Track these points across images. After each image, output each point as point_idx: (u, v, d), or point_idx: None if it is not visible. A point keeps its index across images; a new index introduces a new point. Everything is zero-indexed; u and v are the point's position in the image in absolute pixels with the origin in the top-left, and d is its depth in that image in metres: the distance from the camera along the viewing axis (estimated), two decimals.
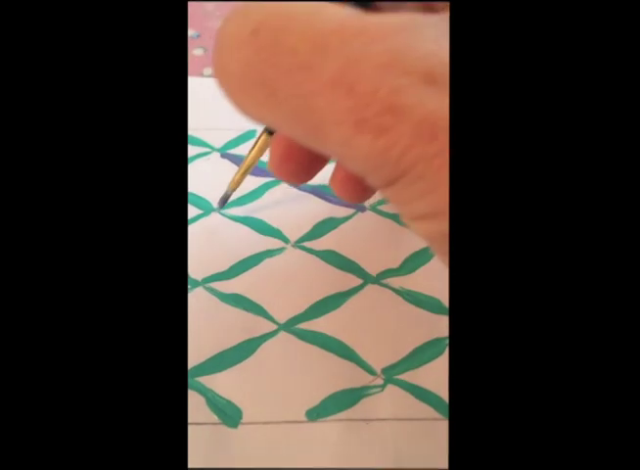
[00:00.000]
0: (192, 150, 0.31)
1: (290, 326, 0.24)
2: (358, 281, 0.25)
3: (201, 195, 0.28)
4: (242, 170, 0.25)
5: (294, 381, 0.22)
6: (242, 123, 0.31)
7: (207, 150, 0.31)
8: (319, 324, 0.24)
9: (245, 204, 0.28)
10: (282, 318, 0.24)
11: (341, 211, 0.28)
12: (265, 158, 0.22)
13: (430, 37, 0.11)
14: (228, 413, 0.21)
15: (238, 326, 0.24)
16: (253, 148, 0.24)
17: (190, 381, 0.22)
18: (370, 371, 0.22)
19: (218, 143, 0.31)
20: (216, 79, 0.13)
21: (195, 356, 0.22)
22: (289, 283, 0.25)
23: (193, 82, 0.33)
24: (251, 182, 0.29)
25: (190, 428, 0.20)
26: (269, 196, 0.29)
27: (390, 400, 0.22)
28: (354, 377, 0.22)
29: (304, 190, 0.29)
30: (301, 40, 0.12)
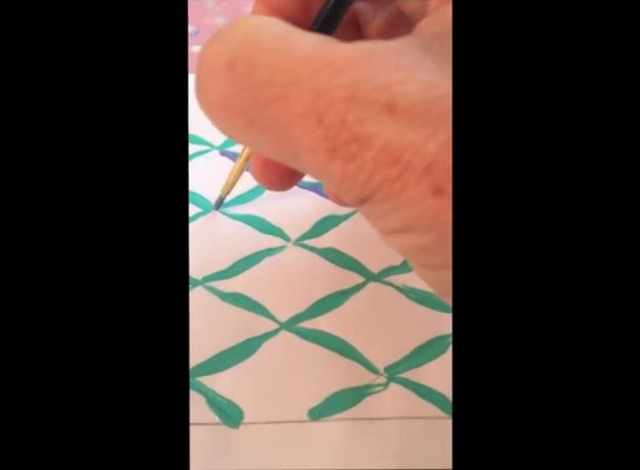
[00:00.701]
0: (191, 148, 0.30)
1: (291, 325, 0.23)
2: (360, 279, 0.25)
3: (200, 193, 0.28)
4: (233, 175, 0.26)
5: (295, 380, 0.22)
6: None
7: (207, 148, 0.31)
8: (321, 323, 0.24)
9: (245, 202, 0.28)
10: (283, 317, 0.24)
11: (342, 209, 0.28)
12: None
13: (390, 65, 0.12)
14: (229, 413, 0.21)
15: (239, 325, 0.23)
16: (241, 154, 0.25)
17: (191, 381, 0.22)
18: (373, 370, 0.22)
19: (218, 141, 0.31)
20: (199, 105, 0.14)
21: (195, 356, 0.22)
22: (290, 281, 0.25)
23: (192, 79, 0.33)
24: (251, 180, 0.29)
25: (191, 428, 0.20)
26: (269, 194, 0.28)
27: (393, 399, 0.21)
28: (357, 376, 0.22)
29: (305, 188, 0.29)
30: (274, 73, 0.13)
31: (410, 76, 0.12)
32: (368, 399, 0.21)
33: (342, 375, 0.22)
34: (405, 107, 0.12)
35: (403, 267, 0.26)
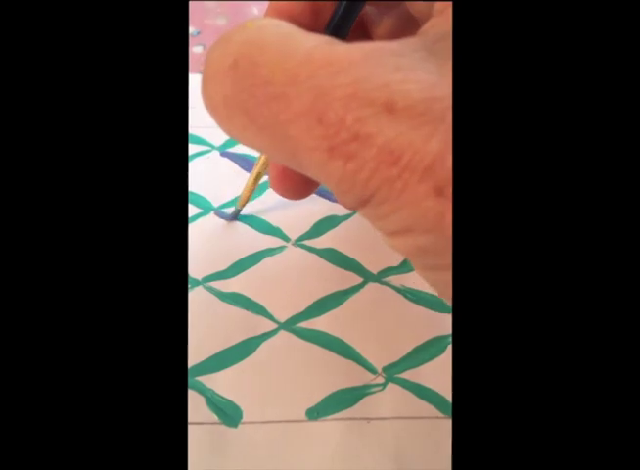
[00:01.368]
0: (191, 148, 0.30)
1: (290, 325, 0.24)
2: (359, 279, 0.25)
3: (200, 194, 0.28)
4: (248, 188, 0.26)
5: (294, 380, 0.22)
6: None
7: (207, 148, 0.31)
8: (319, 323, 0.24)
9: None
10: (282, 317, 0.24)
11: (341, 210, 0.28)
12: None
13: (390, 66, 0.12)
14: (228, 413, 0.21)
15: (238, 325, 0.23)
16: (256, 166, 0.25)
17: (189, 380, 0.22)
18: (371, 370, 0.22)
19: (218, 141, 0.31)
20: (205, 107, 0.14)
21: (194, 356, 0.22)
22: (289, 282, 0.25)
23: (192, 80, 0.33)
24: None
25: (189, 428, 0.20)
26: (269, 194, 0.28)
27: (392, 399, 0.21)
28: (355, 376, 0.22)
29: None
30: (274, 72, 0.13)
31: (410, 76, 0.12)
32: (366, 399, 0.21)
33: (341, 375, 0.22)
34: (405, 106, 0.12)
35: (402, 268, 0.26)
